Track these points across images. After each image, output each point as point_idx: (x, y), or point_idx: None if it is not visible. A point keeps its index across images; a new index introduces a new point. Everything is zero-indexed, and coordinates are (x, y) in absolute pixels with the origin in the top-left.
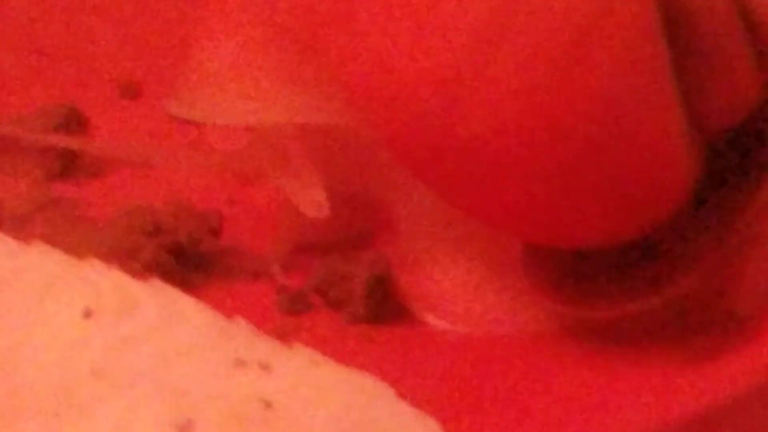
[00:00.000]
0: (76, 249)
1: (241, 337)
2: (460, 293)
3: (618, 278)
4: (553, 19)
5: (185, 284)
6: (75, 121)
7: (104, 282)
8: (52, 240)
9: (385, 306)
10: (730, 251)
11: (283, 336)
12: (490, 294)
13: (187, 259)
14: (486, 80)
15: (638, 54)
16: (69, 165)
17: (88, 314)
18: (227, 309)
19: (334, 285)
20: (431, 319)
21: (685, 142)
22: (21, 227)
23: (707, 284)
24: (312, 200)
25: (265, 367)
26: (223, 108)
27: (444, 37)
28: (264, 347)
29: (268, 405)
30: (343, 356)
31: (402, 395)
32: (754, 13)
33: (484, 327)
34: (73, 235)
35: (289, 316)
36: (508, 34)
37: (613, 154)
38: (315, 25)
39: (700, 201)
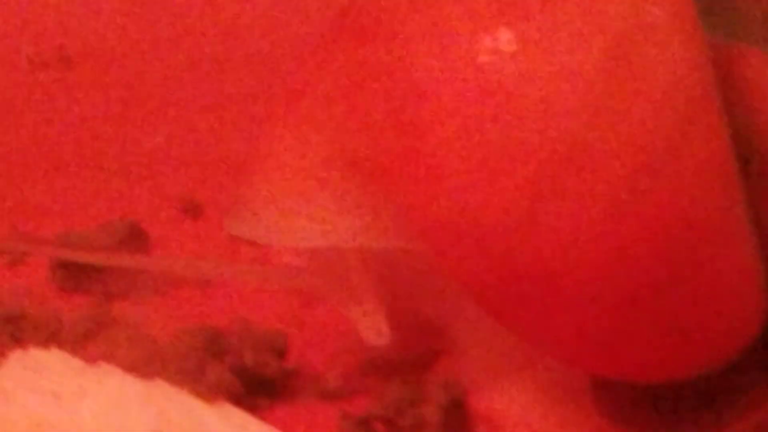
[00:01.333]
0: (138, 369)
1: None
2: (527, 421)
3: (694, 409)
4: (618, 154)
5: (250, 406)
6: (137, 238)
7: (171, 404)
8: (113, 359)
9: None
10: None
11: None
12: (557, 422)
13: (252, 380)
14: (552, 215)
15: (710, 186)
16: (130, 282)
17: None
18: None
19: (402, 411)
20: None
21: (757, 275)
22: (82, 345)
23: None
24: (373, 327)
25: None
26: (283, 229)
27: (512, 172)
28: None
29: None
30: None
31: None
32: None
33: None
34: (135, 354)
35: None
36: (574, 170)
37: (683, 287)
38: (378, 152)
39: None
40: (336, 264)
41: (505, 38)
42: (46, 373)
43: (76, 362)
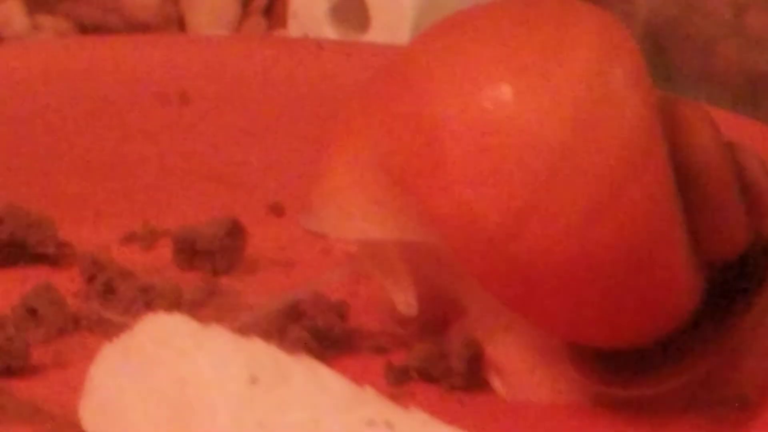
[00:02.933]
0: (239, 329)
1: (371, 402)
2: (518, 370)
3: (643, 366)
4: (593, 175)
5: (320, 357)
6: (237, 231)
7: (265, 355)
8: (220, 321)
9: (476, 377)
10: (733, 348)
11: (395, 401)
12: (542, 372)
13: (322, 339)
14: (540, 219)
15: (659, 206)
16: (233, 263)
17: (253, 380)
18: (353, 379)
19: (434, 363)
20: (498, 386)
21: (691, 272)
22: (196, 311)
23: (715, 373)
24: (405, 301)
25: (390, 426)
26: (340, 225)
27: (507, 185)
28: (388, 409)
29: None
30: (444, 417)
31: None
32: (745, 171)
33: (538, 396)
34: (237, 317)
35: (395, 386)
36: (556, 185)
37: (636, 282)
38: (409, 170)
39: (710, 309)
40: (379, 252)
41: (504, 89)
42: (171, 332)
43: (194, 324)
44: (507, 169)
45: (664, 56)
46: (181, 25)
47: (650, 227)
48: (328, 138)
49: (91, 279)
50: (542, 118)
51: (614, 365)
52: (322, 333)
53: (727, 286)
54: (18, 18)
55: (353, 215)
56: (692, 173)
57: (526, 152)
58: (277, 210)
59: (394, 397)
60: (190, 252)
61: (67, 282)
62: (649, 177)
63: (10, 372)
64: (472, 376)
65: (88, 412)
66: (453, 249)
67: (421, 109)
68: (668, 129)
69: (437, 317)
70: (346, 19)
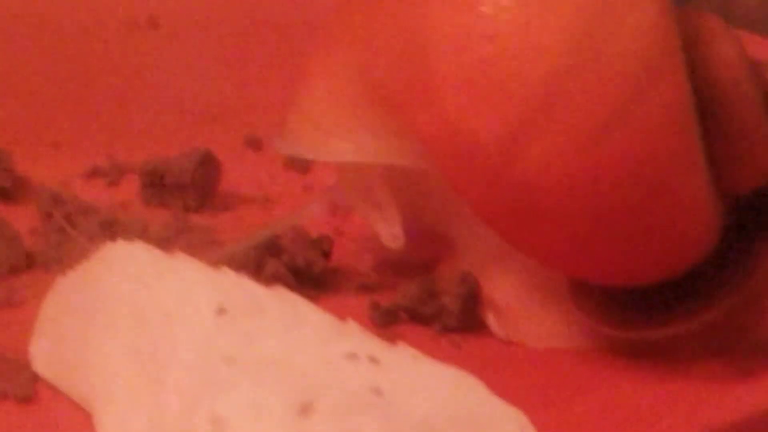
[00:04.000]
0: (209, 264)
1: (353, 335)
2: (514, 309)
3: (654, 306)
4: (601, 88)
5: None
6: (210, 163)
7: (235, 286)
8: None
9: (471, 317)
10: (752, 292)
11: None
12: (540, 312)
13: (302, 276)
14: (539, 136)
15: (673, 124)
16: (205, 199)
17: (221, 312)
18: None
19: (425, 302)
20: (493, 326)
21: (710, 202)
22: (164, 247)
23: (735, 317)
24: (391, 233)
25: (374, 361)
26: (320, 147)
27: (504, 99)
28: (372, 344)
29: (377, 392)
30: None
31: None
32: None
33: (535, 338)
34: (207, 253)
35: (382, 327)
36: (559, 99)
37: (647, 209)
38: (396, 85)
39: (727, 248)
40: (361, 179)
41: None
42: (131, 261)
43: (157, 252)
44: (506, 80)
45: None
46: None
47: (665, 145)
48: (308, 56)
49: (48, 215)
50: (546, 23)
51: (621, 306)
52: (302, 270)
53: (748, 222)
54: None
55: (332, 135)
56: (713, 90)
57: (527, 61)
58: (254, 143)
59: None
60: (159, 186)
61: (22, 218)
62: (664, 88)
63: None
64: (467, 315)
65: (39, 351)
66: (443, 173)
67: (410, 16)
68: (686, 41)
69: (425, 254)
70: None
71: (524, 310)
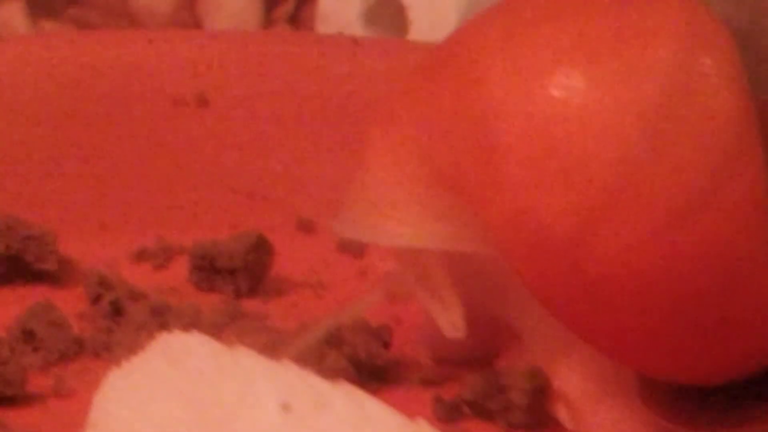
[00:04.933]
0: (267, 352)
1: None
2: (582, 403)
3: (729, 405)
4: (677, 176)
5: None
6: (263, 247)
7: (299, 380)
8: (244, 344)
9: (540, 414)
10: None
11: None
12: (608, 407)
13: (363, 368)
14: (611, 224)
15: (752, 213)
16: (257, 284)
17: (287, 408)
18: None
19: (491, 396)
20: (565, 420)
21: None
22: (216, 335)
23: None
24: (451, 322)
25: None
26: (378, 231)
27: (575, 185)
28: None
29: None
30: None
31: None
32: None
33: None
34: (263, 340)
35: (446, 423)
36: (633, 186)
37: (724, 303)
38: (460, 168)
39: None
40: (421, 265)
41: (576, 76)
42: (189, 353)
43: (215, 344)
44: (576, 165)
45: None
46: None
47: (743, 237)
48: (366, 134)
49: (96, 299)
50: (620, 108)
51: (694, 403)
52: (363, 362)
53: None
54: (19, 22)
55: (391, 218)
56: None
57: (599, 145)
58: (306, 226)
59: None
60: (210, 270)
61: (70, 302)
62: (741, 181)
63: (4, 401)
64: (535, 411)
65: None
66: (509, 261)
67: (475, 97)
68: (765, 132)
69: (487, 345)
70: (381, 22)
71: (592, 404)
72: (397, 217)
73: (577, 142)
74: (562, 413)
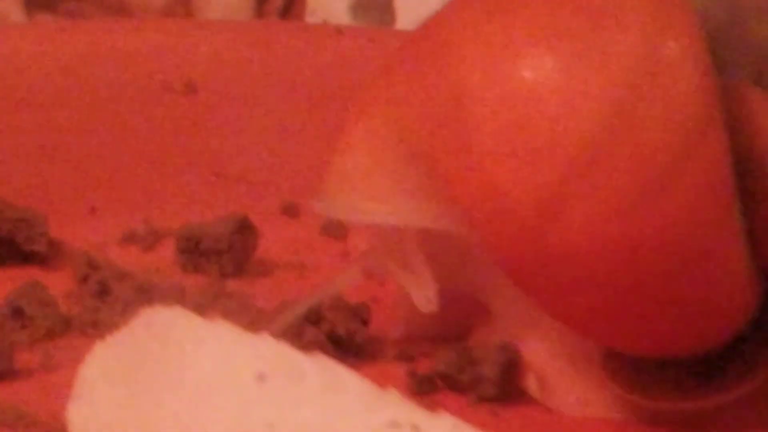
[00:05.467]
0: (247, 328)
1: (395, 404)
2: (549, 376)
3: (690, 377)
4: (641, 154)
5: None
6: (247, 230)
7: (275, 352)
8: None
9: (510, 386)
10: None
11: None
12: (573, 380)
13: (342, 345)
14: (577, 201)
15: (713, 193)
16: (241, 265)
17: (261, 378)
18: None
19: (461, 369)
20: (535, 391)
21: (748, 273)
22: (201, 313)
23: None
24: (424, 297)
25: (416, 429)
26: (355, 209)
27: (544, 162)
28: (414, 413)
29: None
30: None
31: None
32: None
33: (566, 406)
34: (245, 318)
35: (420, 395)
36: (599, 164)
37: (685, 278)
38: (433, 146)
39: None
40: (396, 243)
41: (546, 58)
42: (170, 327)
43: (196, 319)
44: (545, 144)
45: (714, 63)
46: None
47: (705, 214)
48: (344, 117)
49: (84, 279)
50: (587, 88)
51: (656, 376)
52: (342, 339)
53: None
54: (15, 14)
55: (369, 197)
56: (754, 162)
57: (567, 126)
58: (290, 210)
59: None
60: (195, 252)
61: (58, 282)
62: (705, 157)
63: None
64: (506, 384)
65: (76, 416)
66: (480, 236)
67: (450, 77)
68: (728, 113)
69: (459, 320)
70: (369, 15)
71: (558, 377)
72: (373, 195)
73: (546, 121)
74: (531, 385)
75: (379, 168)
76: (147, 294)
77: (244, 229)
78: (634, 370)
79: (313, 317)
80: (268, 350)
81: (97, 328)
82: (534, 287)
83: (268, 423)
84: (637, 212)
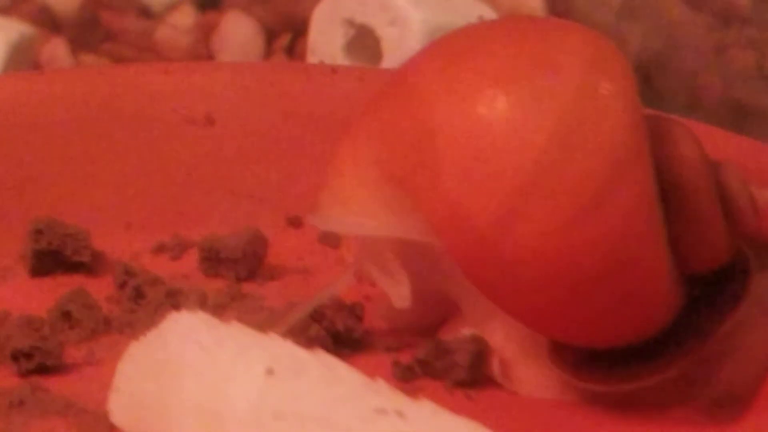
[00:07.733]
0: (259, 328)
1: (382, 392)
2: (507, 361)
3: (622, 364)
4: (578, 180)
5: (337, 356)
6: (259, 240)
7: (282, 350)
8: (241, 322)
9: (479, 372)
10: (710, 352)
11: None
12: (527, 366)
13: (340, 339)
14: (524, 219)
15: (640, 211)
16: (254, 271)
17: (270, 372)
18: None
19: (439, 357)
20: (498, 375)
21: (671, 279)
22: (220, 313)
23: (691, 372)
24: (399, 295)
25: (400, 415)
26: (344, 222)
27: (497, 185)
28: (398, 399)
29: None
30: (453, 411)
31: None
32: (726, 189)
33: (524, 390)
34: (257, 319)
35: (403, 382)
36: (543, 188)
37: (616, 284)
38: (406, 171)
39: (689, 317)
40: (377, 250)
41: (498, 97)
42: (193, 329)
43: (215, 321)
44: (497, 169)
45: (653, 88)
46: None
47: (632, 233)
48: (338, 142)
49: (122, 285)
50: (530, 124)
51: (594, 363)
52: (341, 334)
53: (706, 296)
54: (63, 56)
55: (355, 213)
56: (676, 185)
57: (514, 156)
58: (295, 222)
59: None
60: (215, 260)
61: (100, 288)
62: (632, 184)
63: (45, 370)
64: (476, 370)
65: (116, 406)
66: (446, 247)
67: (420, 114)
68: (653, 142)
69: (433, 314)
70: (360, 54)
71: (516, 364)
72: (359, 211)
73: (499, 150)
74: (495, 371)
75: (363, 189)
76: (175, 297)
77: (256, 239)
78: (578, 358)
79: (317, 316)
80: (276, 348)
81: (133, 327)
82: (490, 288)
83: (276, 412)
84: (576, 227)
